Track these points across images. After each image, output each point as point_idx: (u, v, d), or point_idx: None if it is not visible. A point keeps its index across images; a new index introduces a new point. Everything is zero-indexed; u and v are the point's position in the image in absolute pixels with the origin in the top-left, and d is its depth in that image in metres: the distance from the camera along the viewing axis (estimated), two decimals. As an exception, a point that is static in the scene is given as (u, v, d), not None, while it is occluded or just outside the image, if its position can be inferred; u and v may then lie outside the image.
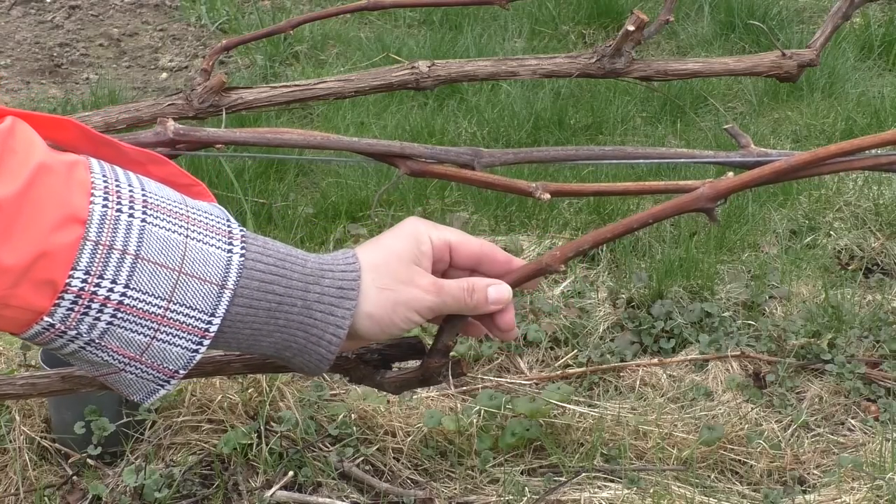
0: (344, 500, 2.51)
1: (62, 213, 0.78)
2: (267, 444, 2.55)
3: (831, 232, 3.62)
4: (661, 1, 1.67)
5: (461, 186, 3.69)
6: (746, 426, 2.72)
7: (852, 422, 2.82)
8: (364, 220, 3.62)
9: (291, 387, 2.71)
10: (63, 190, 0.79)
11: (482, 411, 2.67)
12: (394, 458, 2.63)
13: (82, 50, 5.19)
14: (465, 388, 2.85)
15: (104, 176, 0.82)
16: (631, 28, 1.57)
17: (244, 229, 0.88)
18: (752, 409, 2.80)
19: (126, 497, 2.46)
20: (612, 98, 4.44)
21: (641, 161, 1.11)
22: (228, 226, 0.87)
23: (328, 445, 2.63)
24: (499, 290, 0.96)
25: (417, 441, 2.66)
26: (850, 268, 3.49)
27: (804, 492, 2.57)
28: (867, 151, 0.95)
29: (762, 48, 4.90)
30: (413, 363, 1.05)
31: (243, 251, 0.86)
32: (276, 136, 1.17)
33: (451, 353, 1.01)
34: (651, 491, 2.51)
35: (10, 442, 2.58)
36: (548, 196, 1.06)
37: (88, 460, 2.56)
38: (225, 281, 0.85)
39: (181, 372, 0.86)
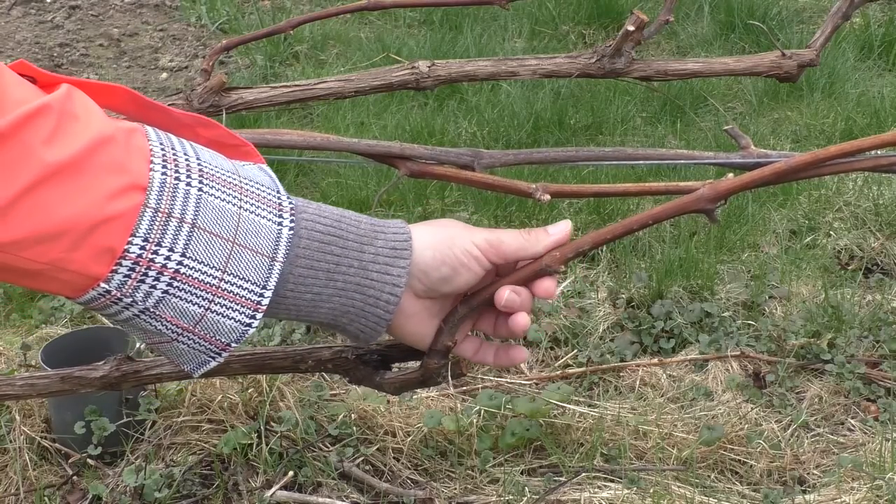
0: (344, 500, 2.51)
1: (123, 180, 0.79)
2: (267, 444, 2.55)
3: (831, 232, 3.62)
4: (661, 1, 1.67)
5: (461, 186, 3.69)
6: (746, 426, 2.72)
7: (852, 422, 2.82)
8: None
9: (291, 387, 2.71)
10: (124, 157, 0.79)
11: (482, 411, 2.67)
12: (394, 458, 2.63)
13: (82, 50, 5.19)
14: (464, 388, 2.85)
15: (161, 144, 0.83)
16: (631, 28, 1.57)
17: (293, 200, 0.89)
18: (752, 409, 2.80)
19: (126, 497, 2.46)
20: (612, 98, 4.44)
21: (641, 162, 1.11)
22: (279, 198, 0.88)
23: (328, 445, 2.63)
24: (556, 226, 0.98)
25: (417, 441, 2.66)
26: (850, 268, 3.49)
27: (804, 492, 2.57)
28: (867, 152, 0.95)
29: (762, 48, 4.90)
30: (413, 364, 1.05)
31: (292, 224, 0.87)
32: (275, 136, 1.17)
33: (451, 354, 1.01)
34: (651, 491, 2.51)
35: (10, 442, 2.58)
36: (548, 197, 1.06)
37: (88, 460, 2.56)
38: (275, 253, 0.85)
39: (233, 345, 0.86)
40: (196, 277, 0.82)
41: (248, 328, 0.85)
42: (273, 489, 2.50)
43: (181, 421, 2.62)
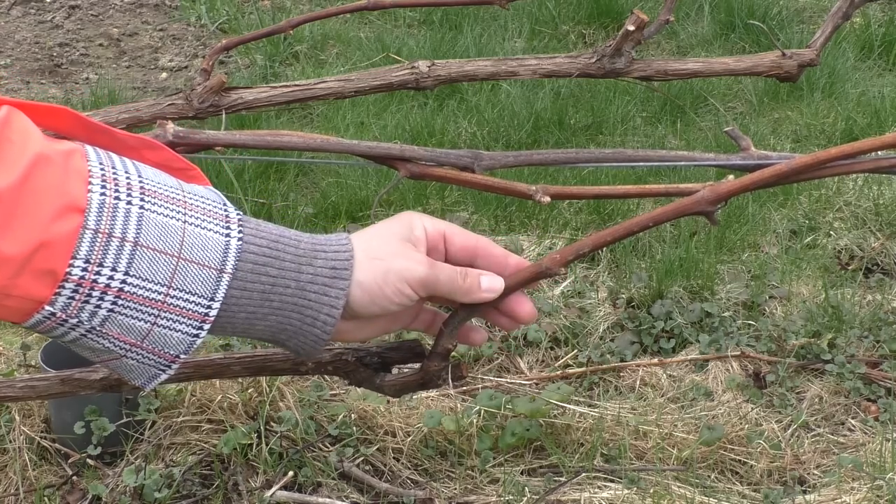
0: (344, 500, 2.51)
1: (61, 203, 0.78)
2: (267, 444, 2.55)
3: (831, 232, 3.62)
4: (661, 1, 1.67)
5: (461, 186, 3.69)
6: (746, 426, 2.72)
7: (852, 422, 2.82)
8: (364, 220, 3.62)
9: (291, 387, 2.71)
10: (61, 179, 0.79)
11: (482, 411, 2.67)
12: (394, 458, 2.63)
13: (82, 50, 5.19)
14: (464, 388, 2.85)
15: (101, 164, 0.82)
16: (631, 28, 1.56)
17: (240, 212, 0.88)
18: (752, 409, 2.80)
19: (126, 497, 2.46)
20: (612, 98, 4.44)
21: (641, 164, 1.11)
22: (225, 210, 0.87)
23: (328, 445, 2.63)
24: (491, 279, 0.96)
25: (417, 441, 2.66)
26: (850, 268, 3.48)
27: (804, 492, 2.57)
28: (868, 154, 0.95)
29: (762, 48, 4.89)
30: (413, 366, 1.05)
31: (241, 234, 0.86)
32: (275, 138, 1.17)
33: (451, 356, 1.01)
34: (651, 491, 2.51)
35: (10, 442, 2.58)
36: (548, 199, 1.06)
37: (88, 460, 2.56)
38: (224, 265, 0.85)
39: (182, 357, 0.86)
40: (141, 294, 0.82)
41: (195, 339, 0.85)
42: (273, 489, 2.50)
43: (181, 421, 2.62)
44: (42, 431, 2.63)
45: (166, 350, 0.85)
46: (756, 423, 2.76)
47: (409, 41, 5.00)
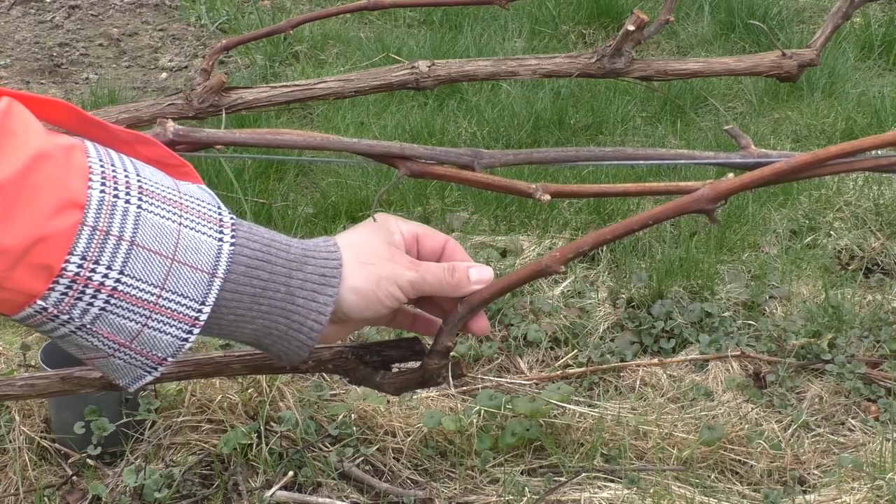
0: (344, 500, 2.51)
1: (61, 198, 0.78)
2: (267, 444, 2.55)
3: (831, 232, 3.62)
4: (661, 1, 1.67)
5: (461, 186, 3.69)
6: (746, 426, 2.72)
7: (852, 422, 2.82)
8: (364, 220, 3.62)
9: (291, 387, 2.71)
10: (62, 175, 0.79)
11: (482, 411, 2.67)
12: (394, 458, 2.63)
13: (82, 50, 5.19)
14: (465, 388, 2.85)
15: (101, 160, 0.82)
16: (631, 28, 1.57)
17: (234, 216, 0.88)
18: (752, 409, 2.80)
19: (126, 497, 2.46)
20: (612, 98, 4.44)
21: (641, 162, 1.11)
22: (219, 213, 0.87)
23: (328, 445, 2.63)
24: (480, 271, 0.97)
25: (417, 441, 2.66)
26: (850, 268, 3.48)
27: (804, 492, 2.56)
28: (867, 152, 0.95)
29: (762, 48, 4.90)
30: (413, 364, 1.05)
31: (233, 239, 0.86)
32: (275, 136, 1.17)
33: (451, 354, 1.01)
34: (651, 491, 2.51)
35: (10, 442, 2.58)
36: (548, 197, 1.06)
37: (88, 460, 2.56)
38: (215, 269, 0.85)
39: (169, 360, 0.86)
40: (134, 295, 0.82)
41: (184, 343, 0.85)
42: (273, 489, 2.50)
43: (181, 421, 2.62)
44: (42, 431, 2.63)
45: (154, 352, 0.85)
46: (756, 423, 2.75)
47: (409, 41, 5.00)
